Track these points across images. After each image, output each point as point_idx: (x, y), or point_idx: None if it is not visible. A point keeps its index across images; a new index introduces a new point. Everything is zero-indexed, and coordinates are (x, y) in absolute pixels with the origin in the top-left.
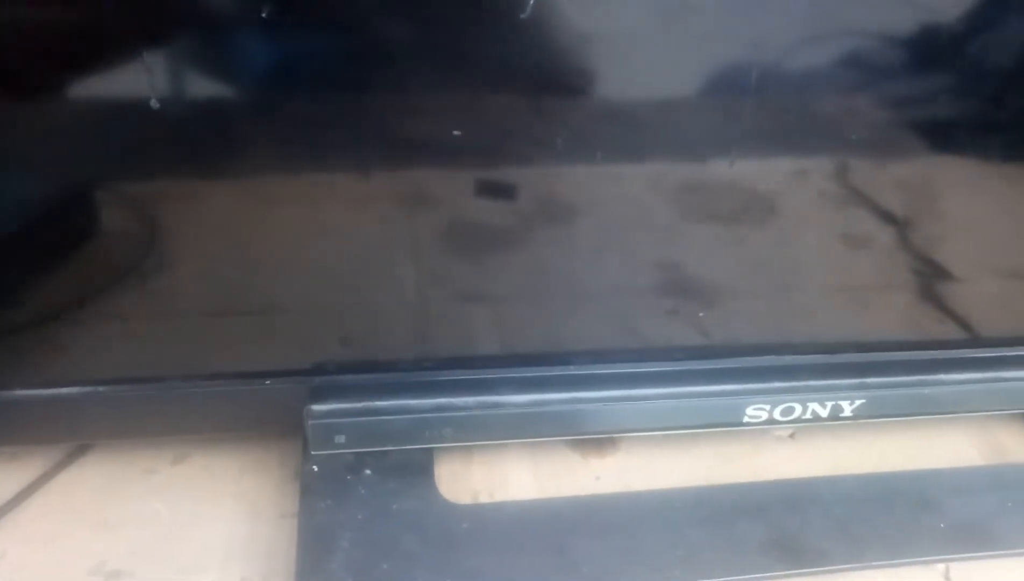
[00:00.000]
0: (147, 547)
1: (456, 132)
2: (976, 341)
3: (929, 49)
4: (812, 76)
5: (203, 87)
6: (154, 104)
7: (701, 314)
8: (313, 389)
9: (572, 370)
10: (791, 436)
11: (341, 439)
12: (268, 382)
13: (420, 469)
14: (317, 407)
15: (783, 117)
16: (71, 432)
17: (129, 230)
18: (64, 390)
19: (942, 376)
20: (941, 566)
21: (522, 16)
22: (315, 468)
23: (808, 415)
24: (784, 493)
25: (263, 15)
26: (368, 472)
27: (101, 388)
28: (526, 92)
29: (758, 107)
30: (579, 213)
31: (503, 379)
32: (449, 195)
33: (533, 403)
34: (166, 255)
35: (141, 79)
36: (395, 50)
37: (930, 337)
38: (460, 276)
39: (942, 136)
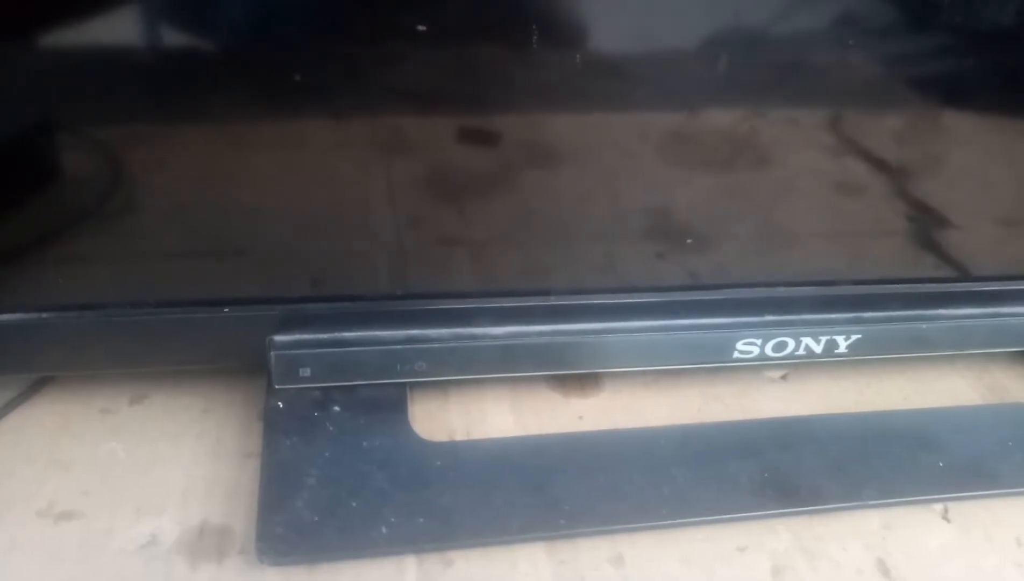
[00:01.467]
0: (100, 488)
1: (438, 78)
2: (974, 276)
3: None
4: (804, 27)
5: (174, 29)
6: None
7: (689, 241)
8: (276, 318)
9: (553, 300)
10: (783, 378)
11: (306, 372)
12: (226, 310)
13: (392, 405)
14: (280, 338)
15: (774, 67)
16: (23, 363)
17: (94, 171)
18: (15, 316)
19: (940, 311)
20: (939, 506)
21: None
22: (280, 404)
23: (801, 351)
24: (776, 431)
25: None
26: (336, 408)
27: (53, 315)
28: (509, 39)
29: (747, 57)
30: (566, 161)
31: (480, 310)
32: (429, 141)
33: (512, 335)
34: (132, 198)
35: (110, 21)
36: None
37: (927, 274)
38: (439, 220)
39: (936, 85)
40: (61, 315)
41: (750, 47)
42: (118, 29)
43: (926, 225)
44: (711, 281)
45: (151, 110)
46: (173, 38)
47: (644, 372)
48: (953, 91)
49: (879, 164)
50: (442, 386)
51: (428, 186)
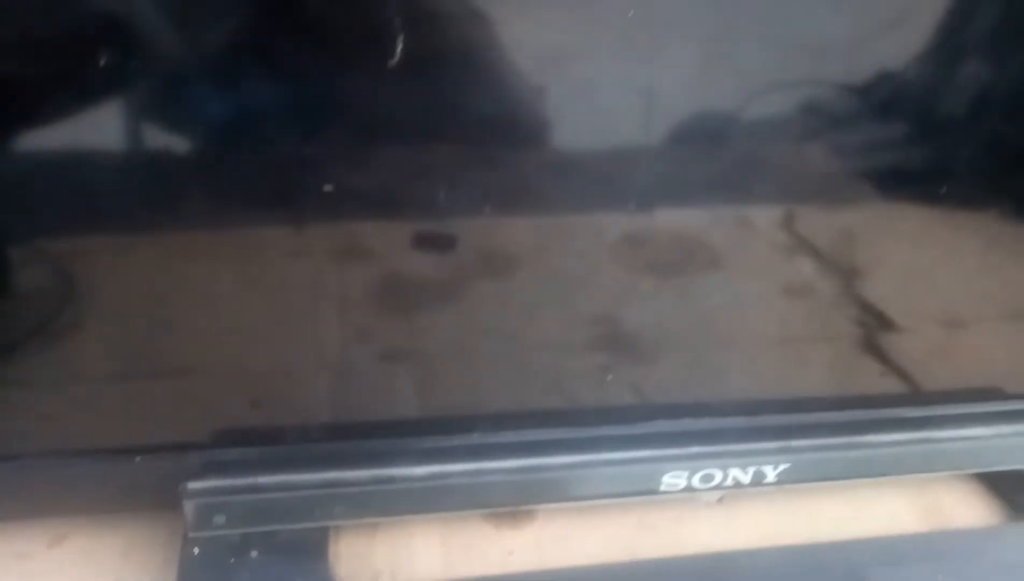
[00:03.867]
0: None
1: (396, 183)
2: (909, 399)
3: (874, 99)
4: (758, 126)
5: (127, 140)
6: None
7: (610, 378)
8: (190, 466)
9: (475, 439)
10: (719, 501)
11: (221, 519)
12: (138, 459)
13: (313, 549)
14: (194, 485)
15: (728, 166)
16: None
17: (42, 286)
18: None
19: (871, 437)
20: None
21: (391, 63)
22: (195, 550)
23: (729, 482)
24: (705, 569)
25: (183, 68)
26: (254, 553)
27: None
28: (467, 143)
29: (704, 156)
30: (518, 266)
31: (400, 450)
32: (386, 247)
33: (433, 476)
34: (79, 316)
35: (61, 131)
36: (328, 103)
37: (860, 393)
38: (385, 334)
39: (888, 184)
40: None
41: (707, 146)
42: (67, 144)
43: (870, 329)
44: (636, 412)
45: (97, 224)
46: (121, 150)
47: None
48: (903, 187)
49: (829, 264)
50: (370, 523)
51: (379, 298)
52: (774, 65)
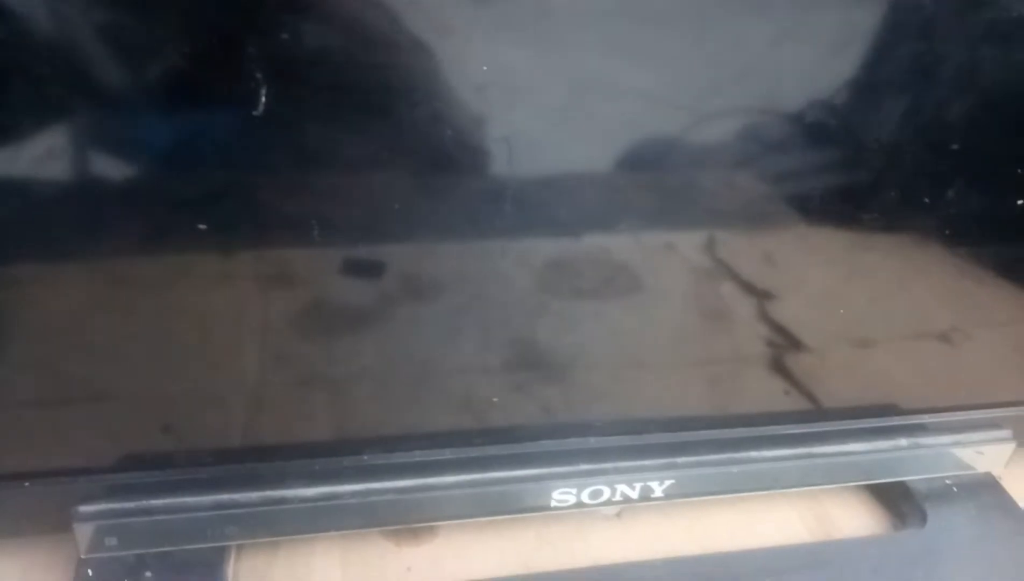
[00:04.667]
0: None
1: (327, 210)
2: (808, 415)
3: (797, 126)
4: (681, 152)
5: (48, 165)
6: None
7: (496, 399)
8: (79, 490)
9: (366, 459)
10: (618, 515)
11: (113, 541)
12: (27, 484)
13: (208, 569)
14: (84, 508)
15: (653, 192)
16: None
17: None
18: None
19: (754, 453)
20: None
21: (255, 113)
22: (89, 572)
23: (618, 497)
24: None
25: (112, 95)
26: (148, 574)
27: None
28: (400, 170)
29: (629, 182)
30: (442, 291)
31: (290, 470)
32: (313, 273)
33: (323, 496)
34: None
35: None
36: (257, 130)
37: (761, 411)
38: (306, 359)
39: (808, 209)
40: None
41: (636, 173)
42: None
43: (779, 349)
44: (523, 431)
45: (18, 248)
46: (42, 176)
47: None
48: (822, 211)
49: (745, 286)
50: (270, 541)
51: (301, 323)
52: (700, 93)
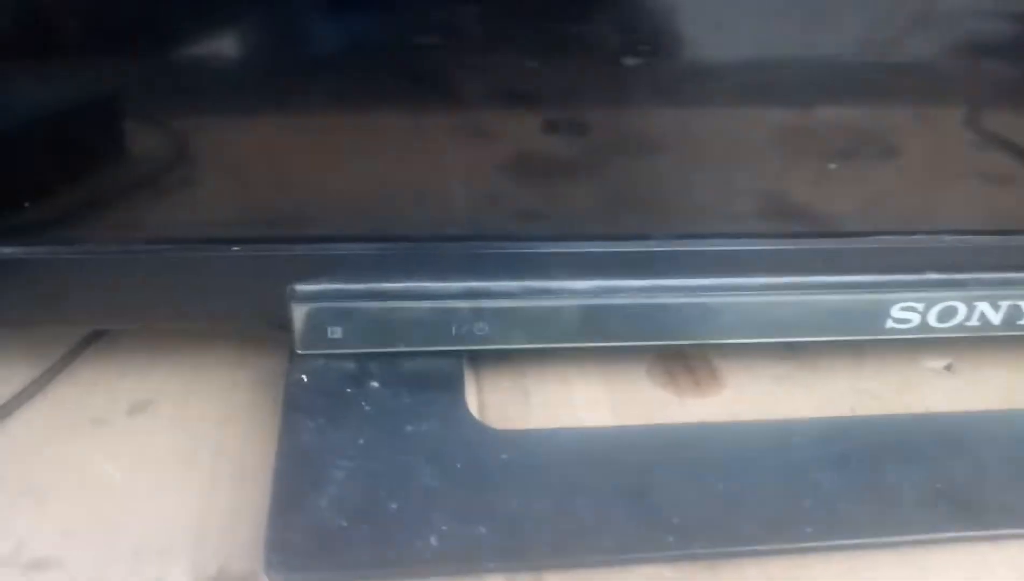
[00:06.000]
0: (87, 525)
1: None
2: None
3: None
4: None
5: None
6: None
7: (832, 166)
8: (298, 262)
9: (653, 245)
10: (947, 368)
11: (337, 333)
12: (236, 248)
13: (446, 381)
14: (303, 287)
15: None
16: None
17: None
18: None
19: None
20: None
21: None
22: (304, 377)
23: (975, 320)
24: (945, 429)
25: None
26: (375, 384)
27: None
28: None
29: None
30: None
31: (559, 256)
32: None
33: (597, 291)
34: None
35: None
36: None
37: None
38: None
39: None
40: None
41: None
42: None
43: None
44: (858, 226)
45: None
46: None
47: (775, 363)
48: None
49: None
50: (514, 368)
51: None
52: None
